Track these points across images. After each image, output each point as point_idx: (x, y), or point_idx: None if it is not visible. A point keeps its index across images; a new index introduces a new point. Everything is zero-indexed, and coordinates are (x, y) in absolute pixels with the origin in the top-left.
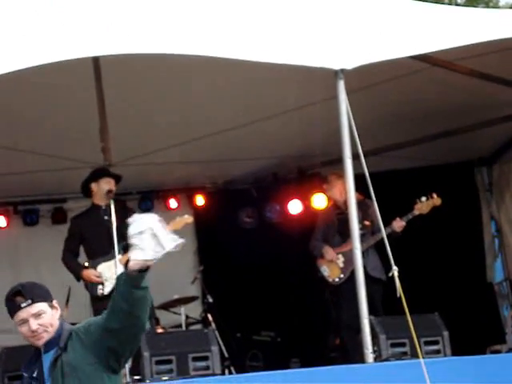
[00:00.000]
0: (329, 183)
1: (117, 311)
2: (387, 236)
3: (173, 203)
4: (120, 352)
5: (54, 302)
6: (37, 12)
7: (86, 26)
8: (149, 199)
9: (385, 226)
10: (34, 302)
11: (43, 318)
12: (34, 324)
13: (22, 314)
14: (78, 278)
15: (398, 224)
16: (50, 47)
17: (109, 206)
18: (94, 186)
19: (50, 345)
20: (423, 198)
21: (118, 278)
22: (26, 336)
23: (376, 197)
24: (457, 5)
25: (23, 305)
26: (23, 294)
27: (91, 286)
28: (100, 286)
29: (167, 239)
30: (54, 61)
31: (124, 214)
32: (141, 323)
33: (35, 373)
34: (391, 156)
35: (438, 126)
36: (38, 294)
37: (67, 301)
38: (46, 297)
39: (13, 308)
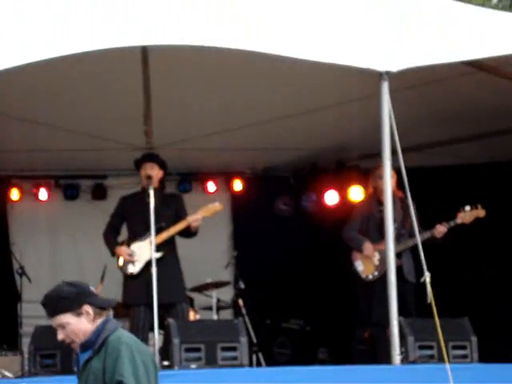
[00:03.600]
0: (378, 176)
1: None
2: (426, 240)
3: (211, 186)
4: None
5: (84, 308)
6: None
7: (136, 14)
8: (187, 181)
9: (426, 229)
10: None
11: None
12: (59, 334)
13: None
14: (113, 253)
15: (440, 229)
16: (99, 34)
17: (155, 190)
18: (139, 171)
19: (85, 347)
20: (467, 208)
21: None
22: None
23: (420, 194)
24: None
25: (48, 316)
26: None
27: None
28: (130, 265)
29: None
30: (104, 48)
31: (162, 198)
32: None
33: (76, 368)
34: (437, 153)
35: (484, 126)
36: (61, 305)
37: (102, 278)
38: (69, 306)
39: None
